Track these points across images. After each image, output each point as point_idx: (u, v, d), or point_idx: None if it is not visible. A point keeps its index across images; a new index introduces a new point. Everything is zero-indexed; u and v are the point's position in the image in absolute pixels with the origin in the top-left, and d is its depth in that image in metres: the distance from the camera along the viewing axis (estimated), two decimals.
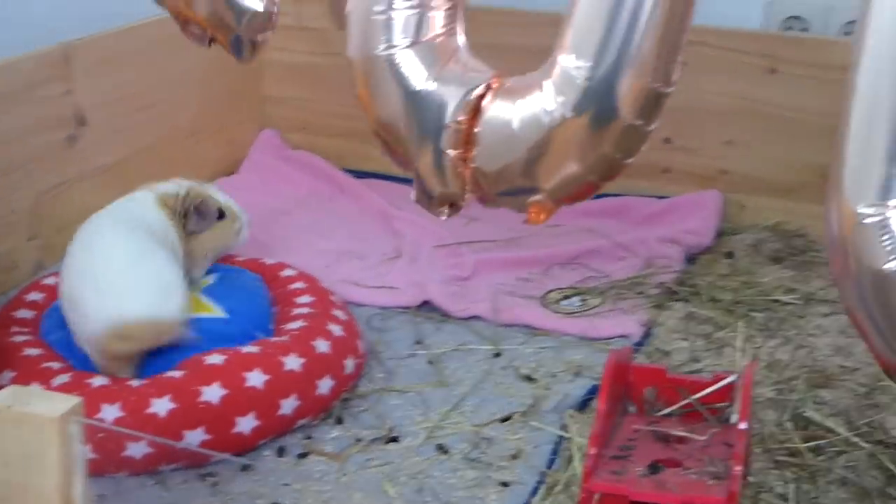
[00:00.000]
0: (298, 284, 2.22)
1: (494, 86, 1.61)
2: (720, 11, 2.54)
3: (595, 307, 2.35)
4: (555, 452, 1.89)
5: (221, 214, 2.17)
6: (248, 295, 2.15)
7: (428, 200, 1.71)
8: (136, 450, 1.79)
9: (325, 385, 1.97)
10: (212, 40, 2.24)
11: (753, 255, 2.59)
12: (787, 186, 2.70)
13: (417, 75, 1.62)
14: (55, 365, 1.94)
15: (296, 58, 3.07)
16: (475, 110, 1.60)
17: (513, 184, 1.62)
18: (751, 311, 2.32)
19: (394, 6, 1.62)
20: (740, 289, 2.40)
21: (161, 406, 1.82)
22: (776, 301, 2.37)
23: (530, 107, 1.56)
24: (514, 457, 1.88)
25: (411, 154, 1.66)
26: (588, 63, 1.51)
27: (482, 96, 1.60)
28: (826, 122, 2.60)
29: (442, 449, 1.90)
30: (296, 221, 2.76)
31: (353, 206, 2.86)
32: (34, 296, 2.18)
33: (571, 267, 2.54)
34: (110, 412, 1.81)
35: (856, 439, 1.90)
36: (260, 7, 2.10)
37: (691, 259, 2.58)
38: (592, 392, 2.04)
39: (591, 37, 1.50)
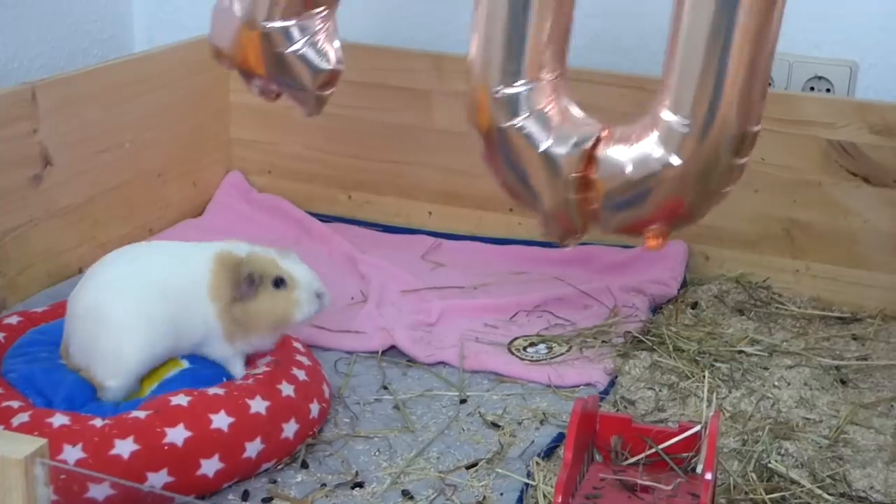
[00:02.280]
0: None
1: (605, 136, 1.90)
2: None
3: (561, 355, 2.36)
4: (521, 500, 1.89)
5: (279, 283, 2.01)
6: None
7: (555, 235, 2.01)
8: (99, 492, 1.77)
9: (290, 429, 1.97)
10: (279, 95, 2.30)
11: (718, 306, 2.61)
12: (751, 238, 2.72)
13: (539, 139, 1.92)
14: (14, 404, 1.92)
15: (263, 101, 3.07)
16: (590, 159, 1.89)
17: (630, 217, 1.92)
18: (715, 361, 2.34)
19: (513, 84, 1.93)
20: (705, 339, 2.42)
21: (124, 447, 1.80)
22: (740, 352, 2.38)
23: (640, 152, 1.86)
24: None
25: (540, 200, 1.96)
26: (687, 117, 1.82)
27: (594, 146, 1.89)
28: (788, 176, 2.66)
29: (407, 495, 1.90)
30: None
31: (320, 249, 2.86)
32: None
33: (537, 314, 2.55)
34: (72, 453, 1.79)
35: (819, 491, 1.91)
36: (331, 66, 2.18)
37: (656, 308, 2.59)
38: (558, 440, 2.04)
39: (687, 95, 1.82)
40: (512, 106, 1.93)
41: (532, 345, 2.41)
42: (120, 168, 2.75)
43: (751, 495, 1.89)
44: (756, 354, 2.38)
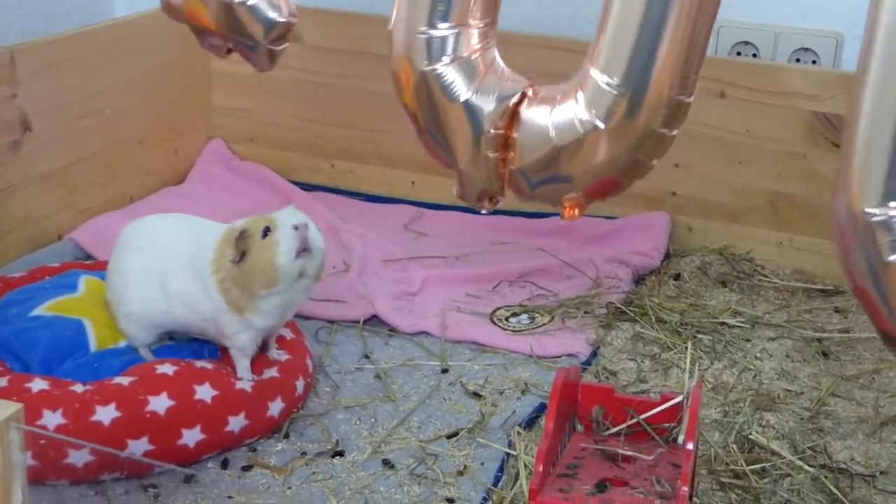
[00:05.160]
0: None
1: (530, 94, 1.80)
2: None
3: (543, 325, 2.37)
4: (501, 469, 1.89)
5: (266, 232, 1.93)
6: None
7: (469, 197, 1.90)
8: (78, 458, 1.77)
9: (275, 407, 1.97)
10: (230, 50, 2.25)
11: (700, 278, 2.61)
12: (735, 210, 2.73)
13: (460, 87, 1.81)
14: None
15: (245, 69, 3.05)
16: (512, 116, 1.79)
17: (548, 183, 1.81)
18: (698, 332, 2.35)
19: (436, 26, 1.81)
20: (687, 311, 2.43)
21: (105, 414, 1.81)
22: (723, 324, 2.39)
23: (565, 115, 1.75)
24: (461, 473, 1.89)
25: (455, 156, 1.85)
26: (617, 80, 1.70)
27: (518, 103, 1.79)
28: (773, 148, 2.66)
29: (388, 464, 1.90)
30: None
31: None
32: None
33: (520, 285, 2.55)
34: (52, 419, 1.79)
35: (800, 463, 1.92)
36: (283, 18, 2.13)
37: (639, 280, 2.60)
38: (540, 410, 2.05)
39: (620, 54, 1.70)
40: (435, 49, 1.82)
41: (514, 315, 2.42)
42: (100, 134, 2.74)
43: (731, 466, 1.90)
44: (738, 326, 2.39)
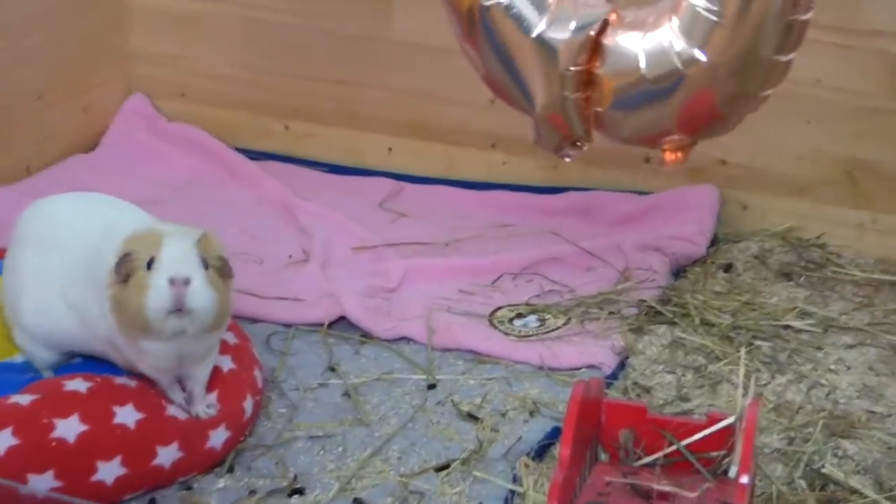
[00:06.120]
0: None
1: (613, 19, 1.88)
2: None
3: (556, 329, 2.38)
4: None
5: (151, 264, 1.90)
6: None
7: (549, 143, 2.00)
8: None
9: (217, 436, 1.99)
10: None
11: (758, 269, 2.63)
12: (802, 183, 2.74)
13: (530, 20, 1.90)
14: None
15: (173, 3, 3.08)
16: (594, 49, 1.88)
17: (643, 124, 1.92)
18: (754, 338, 2.36)
19: None
20: (741, 311, 2.44)
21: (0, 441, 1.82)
22: (787, 327, 2.41)
23: (657, 44, 1.84)
24: None
25: (530, 99, 1.93)
26: (716, 4, 1.79)
27: (601, 33, 1.87)
28: (851, 102, 2.68)
29: None
30: (172, 213, 2.74)
31: (248, 194, 2.87)
32: None
33: (526, 278, 2.57)
34: None
35: (887, 503, 1.94)
36: None
37: (679, 272, 2.62)
38: (553, 435, 2.07)
39: None
40: None
41: (519, 316, 2.44)
42: None
43: None
44: (807, 330, 2.41)
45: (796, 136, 2.71)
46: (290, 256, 2.61)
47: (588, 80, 1.87)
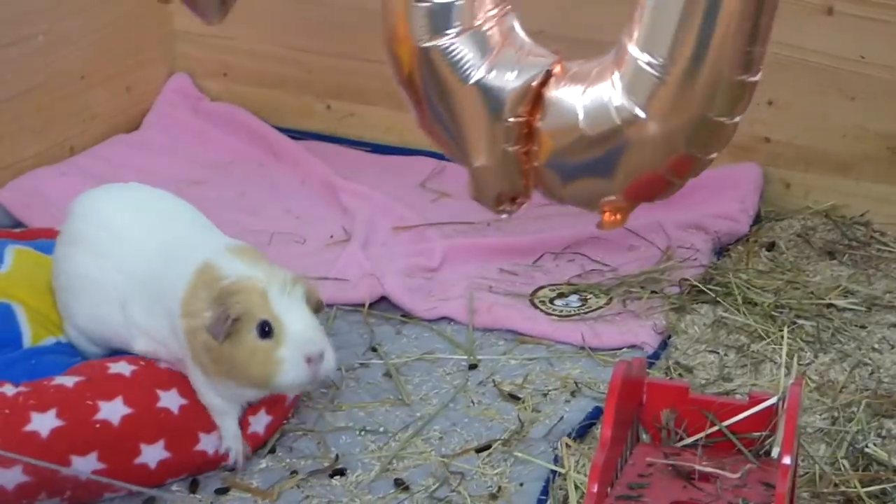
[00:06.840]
0: None
1: (557, 71, 1.81)
2: None
3: (598, 309, 2.38)
4: (545, 492, 1.91)
5: (266, 330, 1.89)
6: None
7: (486, 198, 1.91)
8: (8, 478, 1.79)
9: (259, 421, 1.99)
10: None
11: (801, 247, 2.62)
12: (846, 160, 2.73)
13: (471, 66, 1.82)
14: None
15: None
16: (536, 100, 1.80)
17: (581, 182, 1.83)
18: (797, 317, 2.35)
19: None
20: (784, 290, 2.44)
21: (43, 423, 1.82)
22: (830, 306, 2.40)
23: (598, 100, 1.75)
24: (494, 497, 1.90)
25: (467, 150, 1.86)
26: (661, 60, 1.70)
27: (543, 84, 1.79)
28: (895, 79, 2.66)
29: (401, 485, 1.92)
30: (214, 194, 2.77)
31: (290, 174, 2.88)
32: None
33: (568, 257, 2.57)
34: None
35: None
36: None
37: (722, 251, 2.61)
38: (594, 416, 2.07)
39: (664, 27, 1.69)
40: (440, 18, 1.83)
41: (561, 296, 2.43)
42: (31, 67, 2.76)
43: (842, 487, 1.91)
44: (851, 309, 2.40)
45: (839, 114, 2.69)
46: (331, 236, 2.61)
47: (528, 133, 1.81)
